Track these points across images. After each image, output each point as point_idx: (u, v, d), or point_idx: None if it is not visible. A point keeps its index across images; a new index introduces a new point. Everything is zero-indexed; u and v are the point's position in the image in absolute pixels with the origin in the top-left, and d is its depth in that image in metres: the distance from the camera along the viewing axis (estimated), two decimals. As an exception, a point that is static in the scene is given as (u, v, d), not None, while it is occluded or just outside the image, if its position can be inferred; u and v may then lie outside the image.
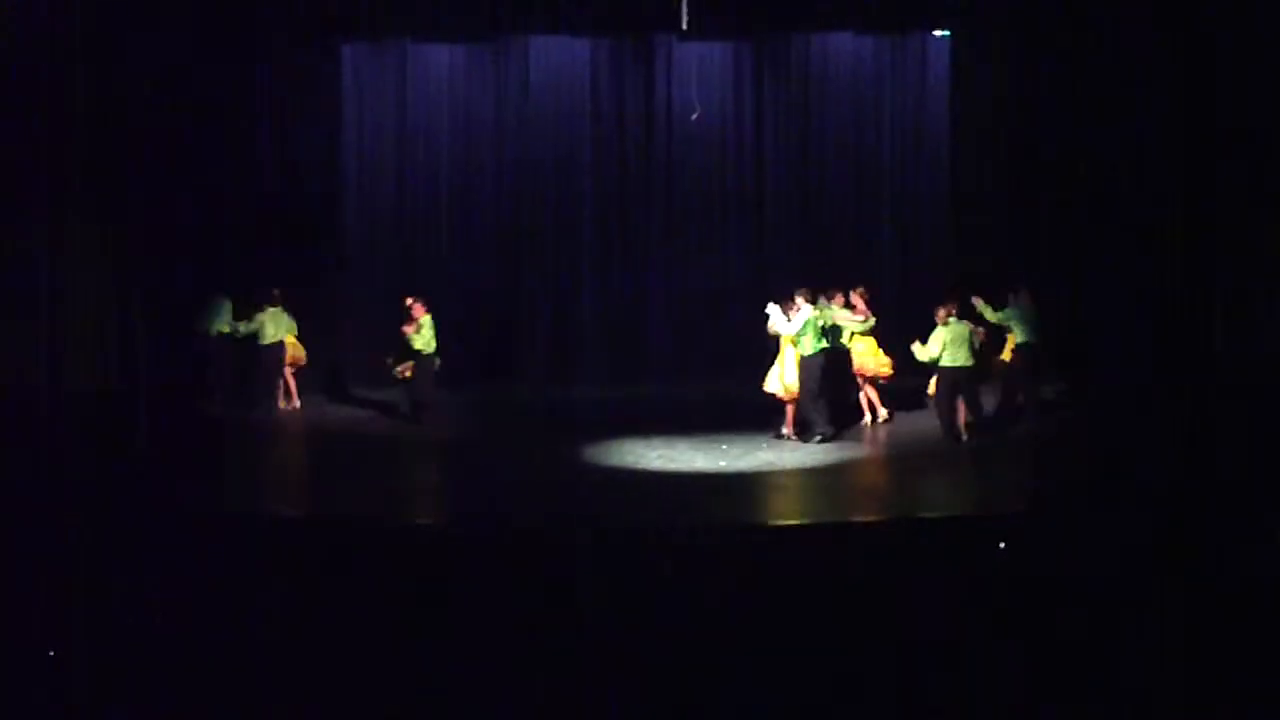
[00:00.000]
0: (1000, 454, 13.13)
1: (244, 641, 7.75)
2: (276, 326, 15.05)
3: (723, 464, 12.71)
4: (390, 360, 14.33)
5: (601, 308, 17.25)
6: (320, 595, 8.47)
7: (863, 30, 16.90)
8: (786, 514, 11.53)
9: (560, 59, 17.13)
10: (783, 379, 13.43)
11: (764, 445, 13.38)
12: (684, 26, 14.90)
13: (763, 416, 14.41)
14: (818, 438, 13.36)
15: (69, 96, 12.30)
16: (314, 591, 8.55)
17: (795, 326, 13.27)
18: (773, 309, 13.45)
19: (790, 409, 13.55)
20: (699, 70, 16.96)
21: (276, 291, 15.00)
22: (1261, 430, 11.01)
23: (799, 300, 13.37)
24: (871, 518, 11.18)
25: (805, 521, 11.15)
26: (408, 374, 14.30)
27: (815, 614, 8.24)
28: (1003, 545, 9.47)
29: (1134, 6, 13.31)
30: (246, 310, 15.02)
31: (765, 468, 12.59)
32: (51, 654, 7.43)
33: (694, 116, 16.64)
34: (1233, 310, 11.70)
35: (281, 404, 15.27)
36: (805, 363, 13.34)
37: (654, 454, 13.10)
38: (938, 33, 16.89)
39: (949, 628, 7.96)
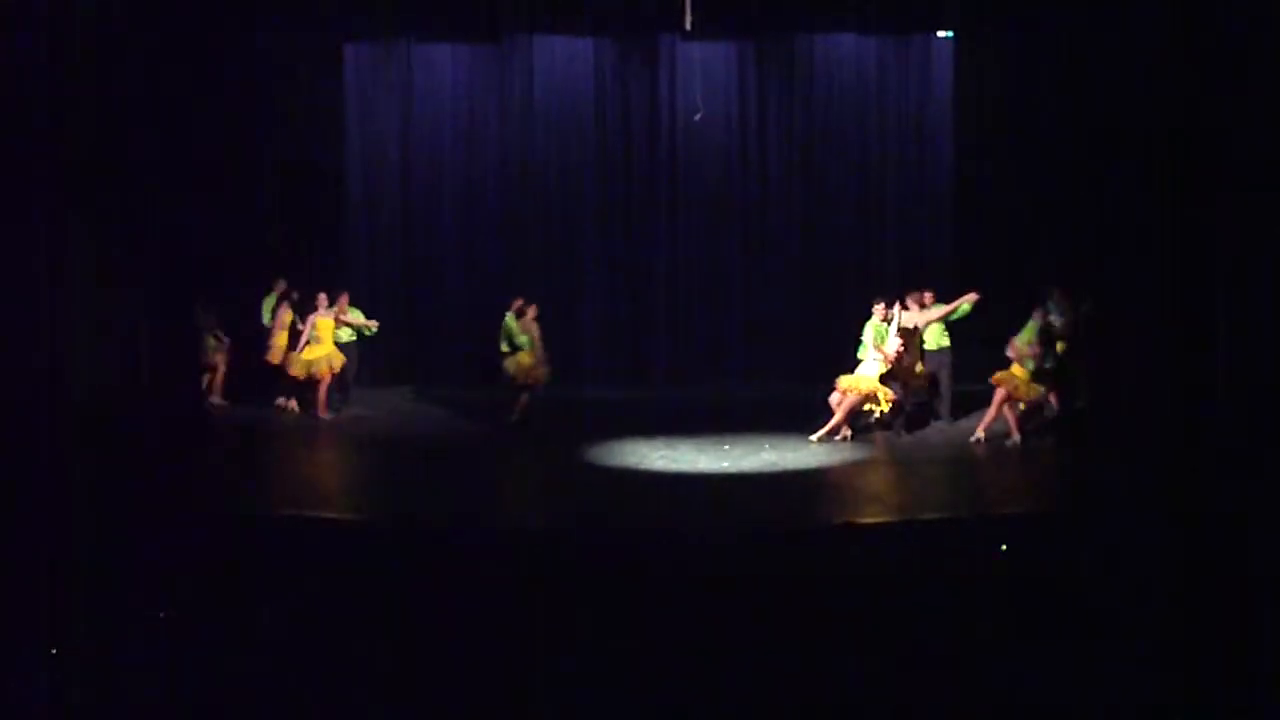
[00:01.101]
0: (1003, 457, 13.11)
1: (244, 642, 7.75)
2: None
3: (725, 464, 12.71)
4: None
5: (604, 308, 17.24)
6: (321, 596, 8.46)
7: (866, 31, 16.88)
8: (789, 515, 11.49)
9: (564, 59, 17.12)
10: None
11: (766, 446, 13.37)
12: (687, 27, 14.88)
13: (764, 417, 14.46)
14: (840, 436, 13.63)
15: (70, 96, 12.28)
16: (315, 592, 8.55)
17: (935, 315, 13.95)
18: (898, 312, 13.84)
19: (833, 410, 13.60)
20: (702, 71, 16.94)
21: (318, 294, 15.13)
22: (1264, 431, 10.98)
23: (928, 298, 14.03)
24: (874, 519, 11.17)
25: (807, 522, 11.15)
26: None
27: (816, 615, 8.24)
28: (1005, 548, 9.47)
29: (1137, 7, 13.28)
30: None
31: (767, 468, 12.59)
32: (53, 654, 7.43)
33: (697, 117, 16.63)
34: (1236, 308, 11.67)
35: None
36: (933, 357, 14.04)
37: (656, 455, 13.10)
38: (941, 34, 16.87)
39: (951, 630, 7.95)
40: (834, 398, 13.60)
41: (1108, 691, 7.16)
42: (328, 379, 14.86)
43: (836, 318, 16.33)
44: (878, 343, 13.65)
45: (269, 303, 15.42)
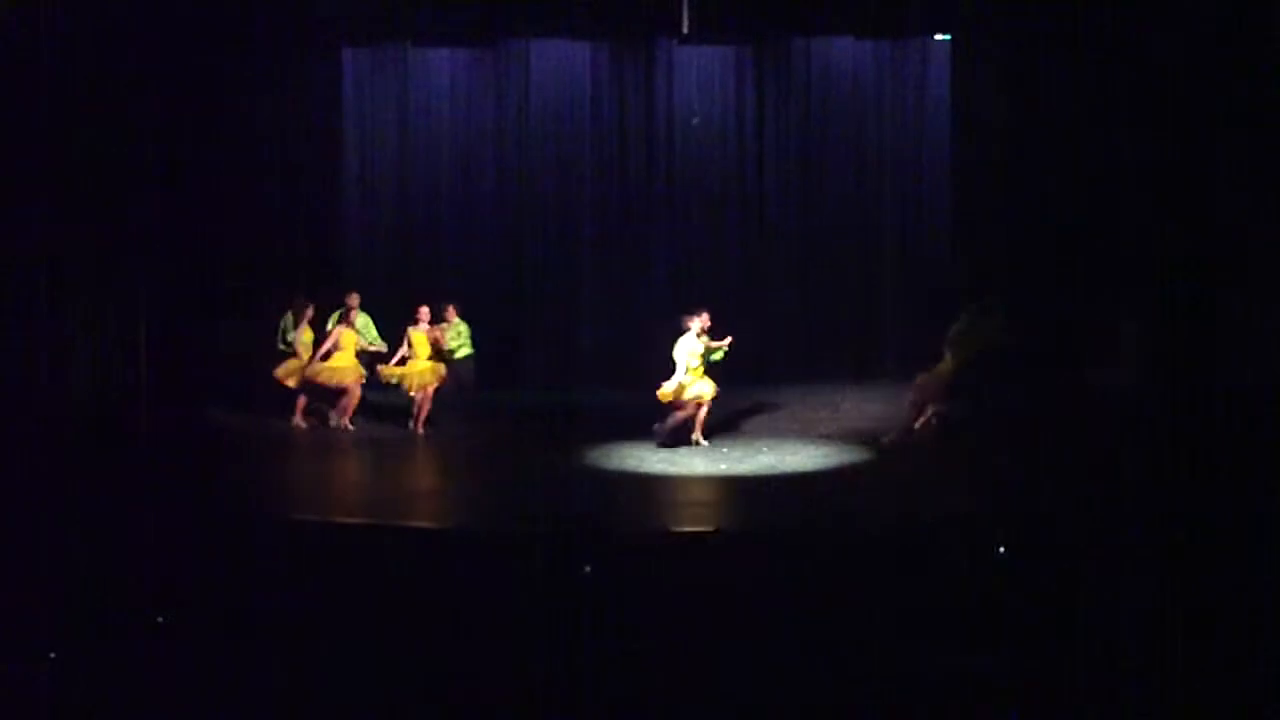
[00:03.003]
0: (999, 455, 13.12)
1: (243, 644, 7.76)
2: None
3: (723, 467, 12.73)
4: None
5: (601, 311, 17.25)
6: (322, 598, 8.47)
7: (863, 35, 16.90)
8: (787, 515, 11.51)
9: (561, 63, 17.14)
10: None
11: (764, 449, 13.38)
12: (684, 31, 14.92)
13: (763, 420, 14.48)
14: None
15: (69, 99, 12.31)
16: (315, 594, 8.56)
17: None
18: None
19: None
20: (699, 75, 16.98)
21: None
22: (1260, 437, 11.03)
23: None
24: (873, 520, 11.17)
25: (804, 523, 11.15)
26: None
27: (814, 616, 8.26)
28: (1002, 549, 9.47)
29: (1135, 11, 13.34)
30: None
31: (765, 471, 12.60)
32: (52, 656, 7.43)
33: (694, 121, 16.65)
34: (1232, 310, 11.71)
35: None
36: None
37: (655, 457, 13.12)
38: (938, 37, 16.89)
39: (949, 631, 7.97)
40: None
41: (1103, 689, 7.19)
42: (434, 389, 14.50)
43: (835, 321, 16.38)
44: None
45: (289, 321, 15.08)
